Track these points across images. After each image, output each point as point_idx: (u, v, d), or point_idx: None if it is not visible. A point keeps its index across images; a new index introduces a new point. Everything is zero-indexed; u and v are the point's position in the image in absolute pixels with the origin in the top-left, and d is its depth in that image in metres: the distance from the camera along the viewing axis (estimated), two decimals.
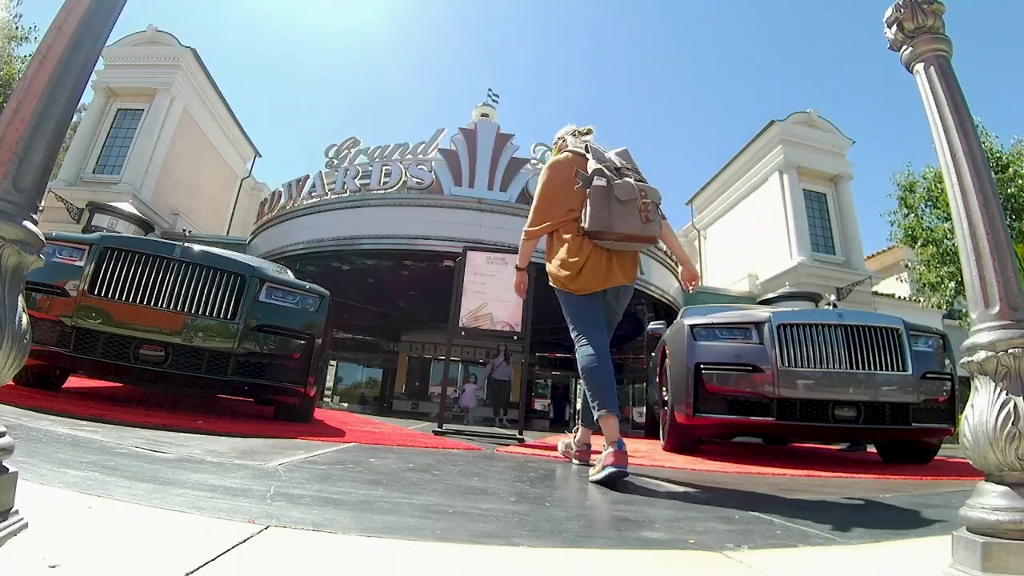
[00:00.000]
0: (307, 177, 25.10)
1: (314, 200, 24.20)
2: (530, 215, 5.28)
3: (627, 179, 4.87)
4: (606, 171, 4.86)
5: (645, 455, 7.29)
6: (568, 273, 5.01)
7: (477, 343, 33.10)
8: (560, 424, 30.59)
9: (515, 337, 9.08)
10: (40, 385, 6.97)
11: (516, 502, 3.32)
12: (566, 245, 5.03)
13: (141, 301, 6.31)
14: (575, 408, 37.15)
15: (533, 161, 24.63)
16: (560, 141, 5.60)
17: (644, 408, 23.00)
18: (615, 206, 4.75)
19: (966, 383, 2.71)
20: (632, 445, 9.49)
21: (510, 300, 8.93)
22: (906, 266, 23.92)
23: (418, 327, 33.90)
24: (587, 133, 5.49)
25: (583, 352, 4.89)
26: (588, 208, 4.80)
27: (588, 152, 5.15)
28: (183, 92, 32.52)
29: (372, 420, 11.80)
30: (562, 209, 5.07)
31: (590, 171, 4.89)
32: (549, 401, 37.72)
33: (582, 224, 4.88)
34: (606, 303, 5.20)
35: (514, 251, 8.07)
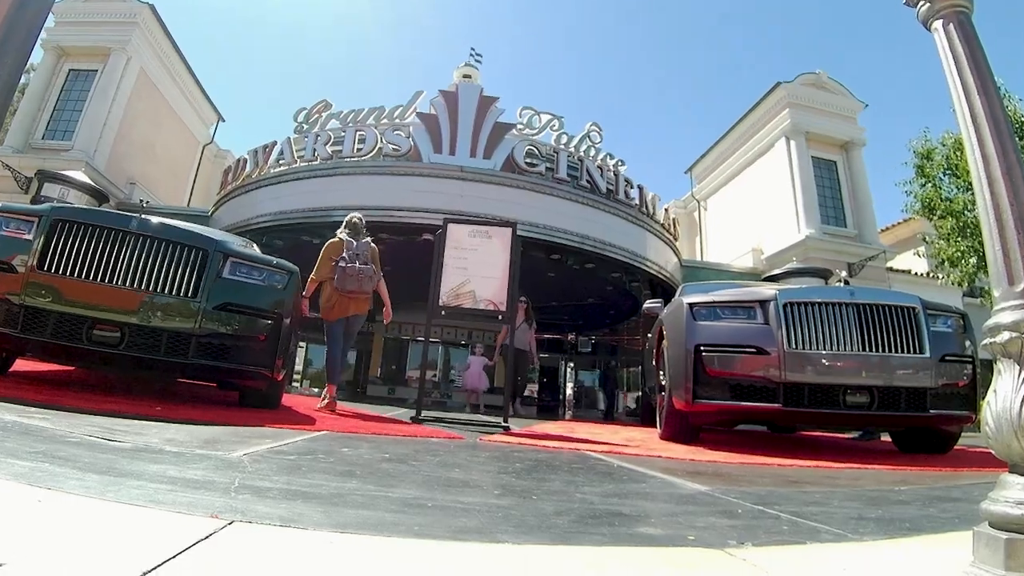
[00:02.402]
0: (274, 143, 24.92)
1: (282, 168, 24.11)
2: (315, 271, 9.80)
3: (355, 264, 9.75)
4: (347, 258, 9.77)
5: (640, 444, 7.31)
6: (327, 308, 9.84)
7: (458, 323, 33.08)
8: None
9: (499, 317, 9.07)
10: None
11: (501, 495, 3.32)
12: (327, 293, 9.84)
13: (95, 278, 6.29)
14: (566, 393, 37.29)
15: (520, 126, 24.59)
16: (342, 226, 10.37)
17: (639, 394, 23.04)
18: (348, 277, 9.66)
19: (988, 366, 2.70)
20: (626, 434, 9.55)
21: (494, 276, 8.95)
22: (923, 240, 23.80)
23: (394, 306, 33.63)
24: (357, 224, 10.29)
25: (331, 351, 10.02)
26: (336, 275, 9.67)
27: (347, 242, 9.95)
28: (140, 51, 32.08)
29: (344, 406, 11.78)
30: (328, 271, 9.76)
31: (344, 255, 9.80)
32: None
33: (334, 282, 9.70)
34: (347, 322, 10.02)
35: (500, 223, 9.18)
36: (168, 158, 35.58)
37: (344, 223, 10.40)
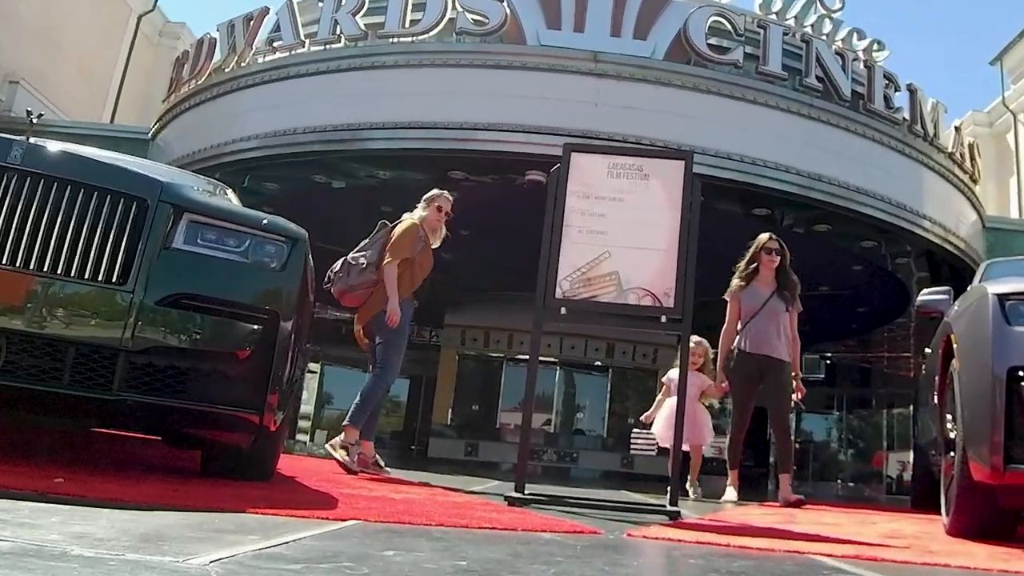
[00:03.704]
0: (265, 12, 25.06)
1: (279, 57, 24.24)
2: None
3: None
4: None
5: (911, 543, 7.19)
6: None
7: (591, 329, 32.61)
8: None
9: (663, 318, 8.84)
10: None
11: None
12: None
13: None
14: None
15: None
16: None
17: (911, 454, 22.62)
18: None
19: None
20: (885, 525, 9.51)
21: (653, 246, 8.66)
22: None
23: (477, 300, 33.54)
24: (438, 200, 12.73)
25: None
26: None
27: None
28: None
29: (389, 475, 11.81)
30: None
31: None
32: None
33: None
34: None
35: (663, 152, 9.04)
36: (77, 41, 35.84)
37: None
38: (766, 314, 13.16)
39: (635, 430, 18.40)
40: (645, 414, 16.02)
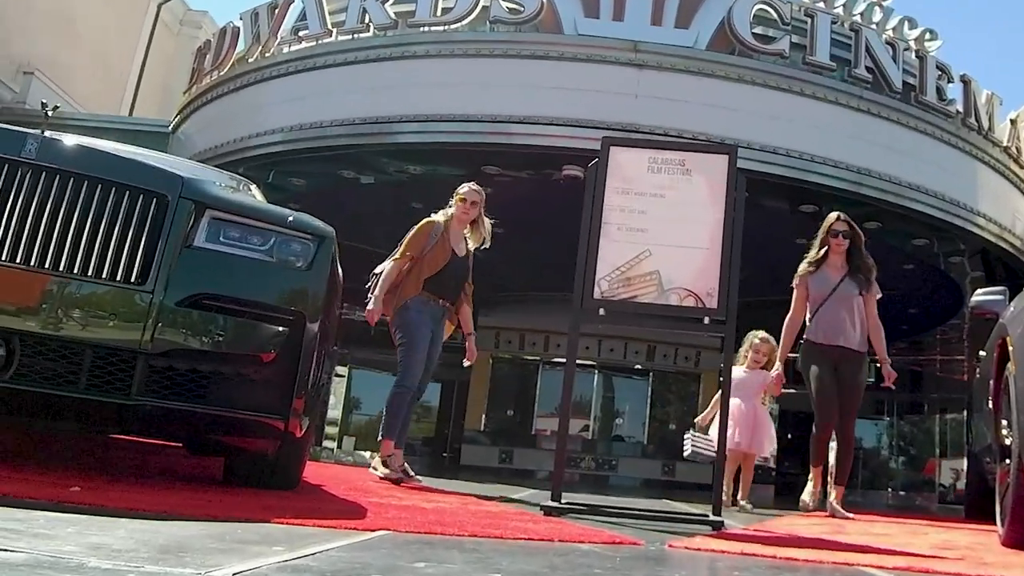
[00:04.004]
0: (290, 0, 25.04)
1: (305, 46, 24.20)
2: None
3: None
4: None
5: (965, 555, 7.13)
6: None
7: (630, 331, 32.49)
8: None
9: (706, 320, 8.72)
10: None
11: None
12: None
13: None
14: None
15: None
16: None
17: (964, 461, 22.43)
18: None
19: None
20: (938, 535, 9.44)
21: (696, 245, 8.57)
22: None
23: (512, 300, 33.45)
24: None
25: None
26: None
27: None
28: None
29: (420, 484, 11.77)
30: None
31: None
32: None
33: None
34: None
35: (706, 147, 8.85)
36: (94, 30, 35.78)
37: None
38: (837, 300, 12.33)
39: (692, 432, 17.54)
40: (701, 416, 15.88)
